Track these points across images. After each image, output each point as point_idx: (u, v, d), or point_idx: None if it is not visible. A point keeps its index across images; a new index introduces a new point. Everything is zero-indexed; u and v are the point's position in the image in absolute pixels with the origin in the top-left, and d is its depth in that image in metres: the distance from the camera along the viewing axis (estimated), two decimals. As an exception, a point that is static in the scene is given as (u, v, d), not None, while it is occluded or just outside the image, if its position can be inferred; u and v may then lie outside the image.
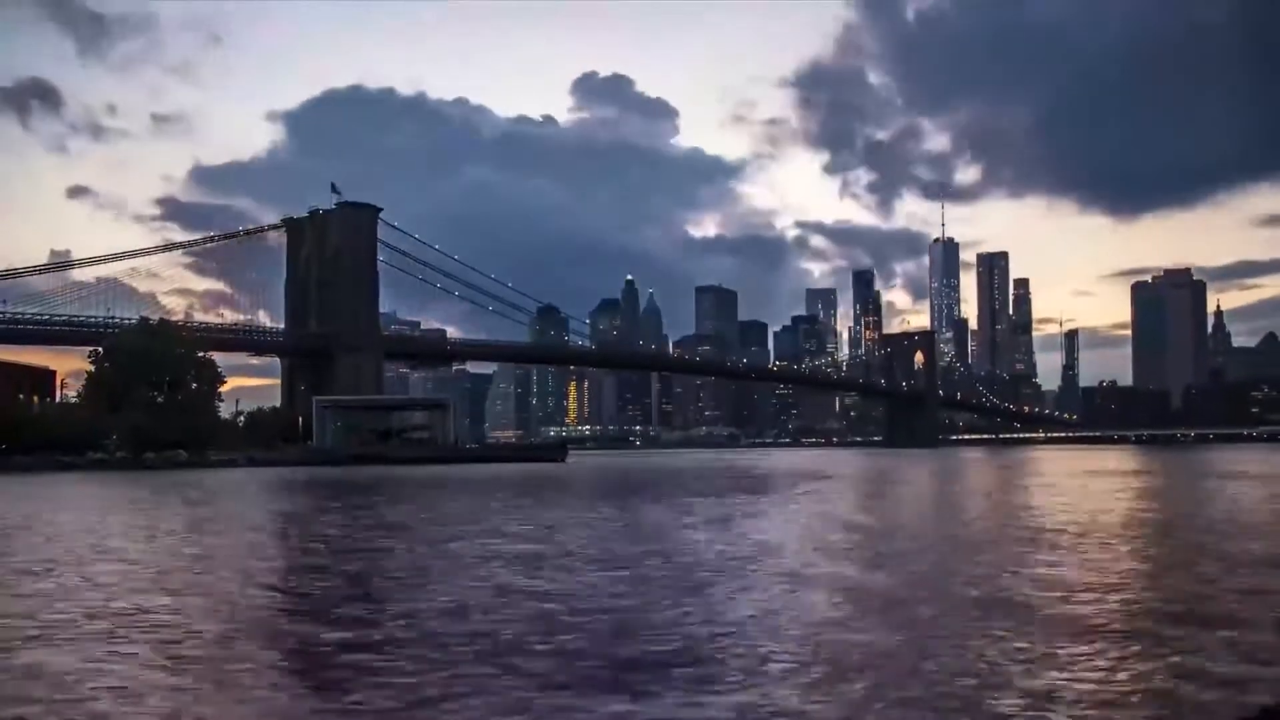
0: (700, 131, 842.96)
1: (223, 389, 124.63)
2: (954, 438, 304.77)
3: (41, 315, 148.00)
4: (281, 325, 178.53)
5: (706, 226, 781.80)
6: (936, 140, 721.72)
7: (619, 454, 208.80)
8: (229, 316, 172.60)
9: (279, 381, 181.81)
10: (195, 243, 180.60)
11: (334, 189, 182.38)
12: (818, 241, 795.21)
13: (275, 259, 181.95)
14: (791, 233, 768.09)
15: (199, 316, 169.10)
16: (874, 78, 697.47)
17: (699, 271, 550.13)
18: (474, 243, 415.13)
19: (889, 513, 32.44)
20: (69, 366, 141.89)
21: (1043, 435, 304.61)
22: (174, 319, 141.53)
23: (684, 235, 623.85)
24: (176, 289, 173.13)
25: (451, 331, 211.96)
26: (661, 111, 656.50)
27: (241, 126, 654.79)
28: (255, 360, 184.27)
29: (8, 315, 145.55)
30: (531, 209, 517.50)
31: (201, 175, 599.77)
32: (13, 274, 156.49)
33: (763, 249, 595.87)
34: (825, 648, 10.19)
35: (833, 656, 9.75)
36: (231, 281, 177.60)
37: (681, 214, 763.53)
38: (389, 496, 43.13)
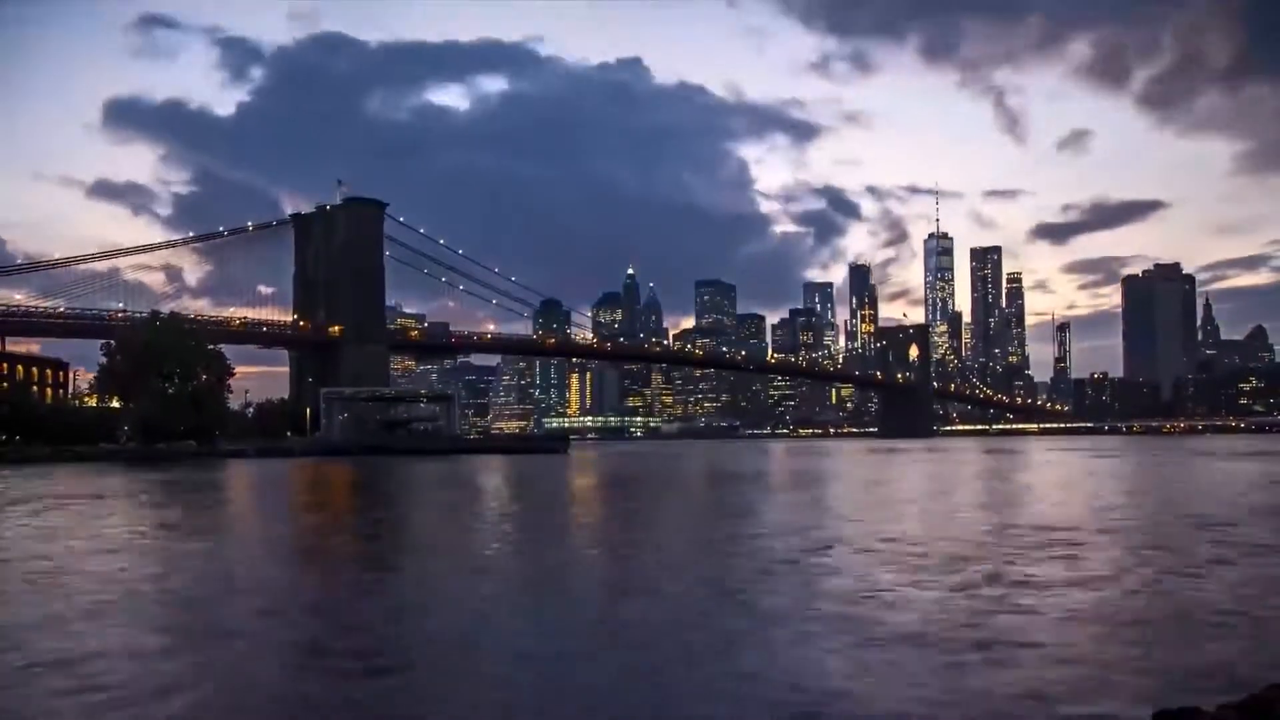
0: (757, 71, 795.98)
1: (231, 379, 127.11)
2: (947, 428, 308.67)
3: (55, 308, 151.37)
4: (290, 318, 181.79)
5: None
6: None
7: (618, 445, 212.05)
8: (238, 309, 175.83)
9: (288, 369, 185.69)
10: (204, 237, 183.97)
11: (340, 184, 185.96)
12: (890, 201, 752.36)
13: (283, 253, 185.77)
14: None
15: (209, 310, 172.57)
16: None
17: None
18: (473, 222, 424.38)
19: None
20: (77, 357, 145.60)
21: (1036, 427, 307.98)
22: (183, 312, 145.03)
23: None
24: (183, 282, 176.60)
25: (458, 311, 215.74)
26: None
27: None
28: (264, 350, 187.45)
29: (21, 308, 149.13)
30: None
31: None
32: (22, 268, 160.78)
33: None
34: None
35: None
36: (240, 275, 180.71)
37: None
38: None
